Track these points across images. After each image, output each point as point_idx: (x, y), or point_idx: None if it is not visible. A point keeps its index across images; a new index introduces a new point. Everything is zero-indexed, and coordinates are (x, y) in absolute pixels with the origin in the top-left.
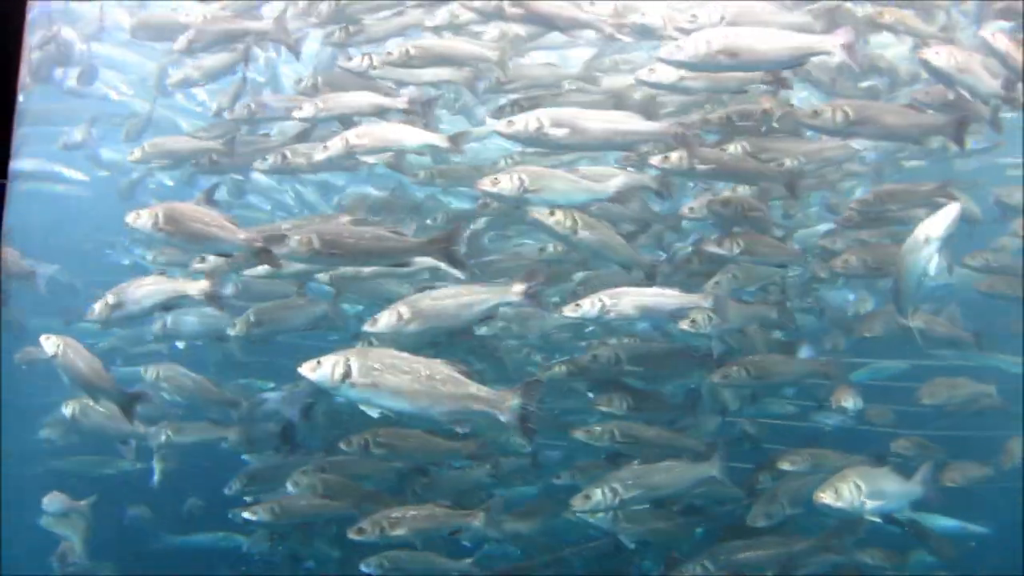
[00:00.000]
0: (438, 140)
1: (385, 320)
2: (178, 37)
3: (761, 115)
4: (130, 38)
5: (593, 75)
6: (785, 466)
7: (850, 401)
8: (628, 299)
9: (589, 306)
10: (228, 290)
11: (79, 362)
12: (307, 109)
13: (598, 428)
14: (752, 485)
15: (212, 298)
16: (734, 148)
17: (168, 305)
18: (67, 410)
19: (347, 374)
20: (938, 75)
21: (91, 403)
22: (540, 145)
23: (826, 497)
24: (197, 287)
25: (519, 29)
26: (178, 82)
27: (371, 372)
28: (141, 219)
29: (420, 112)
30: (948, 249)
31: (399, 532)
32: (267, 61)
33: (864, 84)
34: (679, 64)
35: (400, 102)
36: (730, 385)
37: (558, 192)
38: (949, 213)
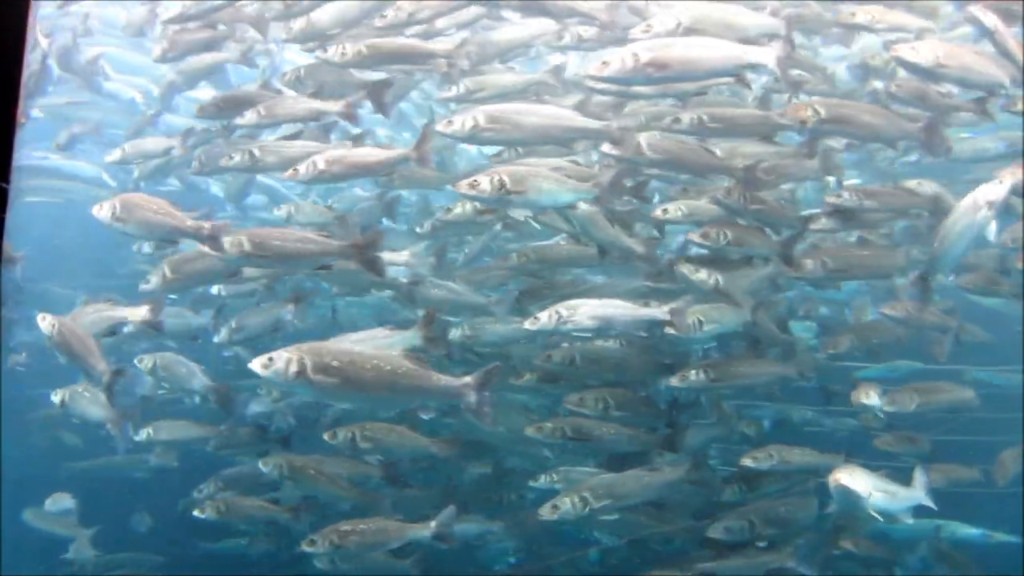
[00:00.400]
0: (407, 153)
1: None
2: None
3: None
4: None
5: (558, 81)
6: (748, 462)
7: (872, 398)
8: (584, 310)
9: (547, 319)
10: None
11: (72, 340)
12: (250, 117)
13: (549, 425)
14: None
15: (151, 325)
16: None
17: (111, 331)
18: (56, 398)
19: (302, 370)
20: (916, 71)
21: (80, 390)
22: (479, 142)
23: (842, 478)
24: (137, 314)
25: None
26: (164, 90)
27: (328, 367)
28: (103, 211)
29: (356, 118)
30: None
31: (350, 544)
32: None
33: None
34: (607, 80)
35: (338, 106)
36: (689, 388)
37: (542, 192)
38: (1012, 180)
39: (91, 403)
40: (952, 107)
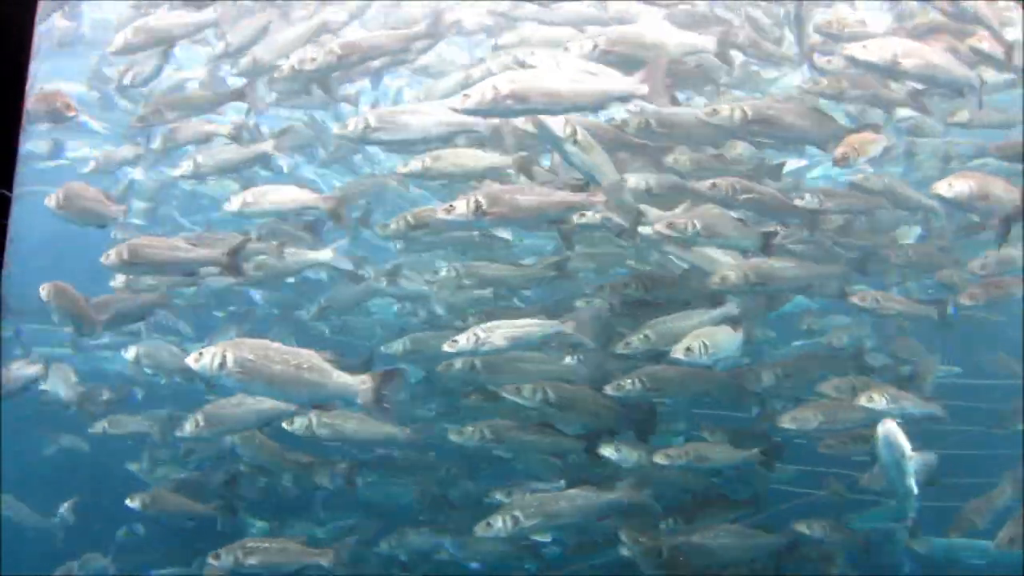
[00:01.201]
0: (318, 202)
1: None
2: None
3: None
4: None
5: None
6: (660, 460)
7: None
8: (499, 331)
9: (464, 341)
10: None
11: (65, 300)
12: (158, 143)
13: (469, 428)
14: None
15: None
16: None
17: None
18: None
19: (223, 364)
20: (871, 70)
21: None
22: (372, 143)
23: (893, 427)
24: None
25: None
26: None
27: (245, 362)
28: (50, 201)
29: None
30: None
31: (252, 562)
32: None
33: None
34: (468, 112)
35: (224, 129)
36: (626, 397)
37: (523, 210)
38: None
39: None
40: (890, 102)
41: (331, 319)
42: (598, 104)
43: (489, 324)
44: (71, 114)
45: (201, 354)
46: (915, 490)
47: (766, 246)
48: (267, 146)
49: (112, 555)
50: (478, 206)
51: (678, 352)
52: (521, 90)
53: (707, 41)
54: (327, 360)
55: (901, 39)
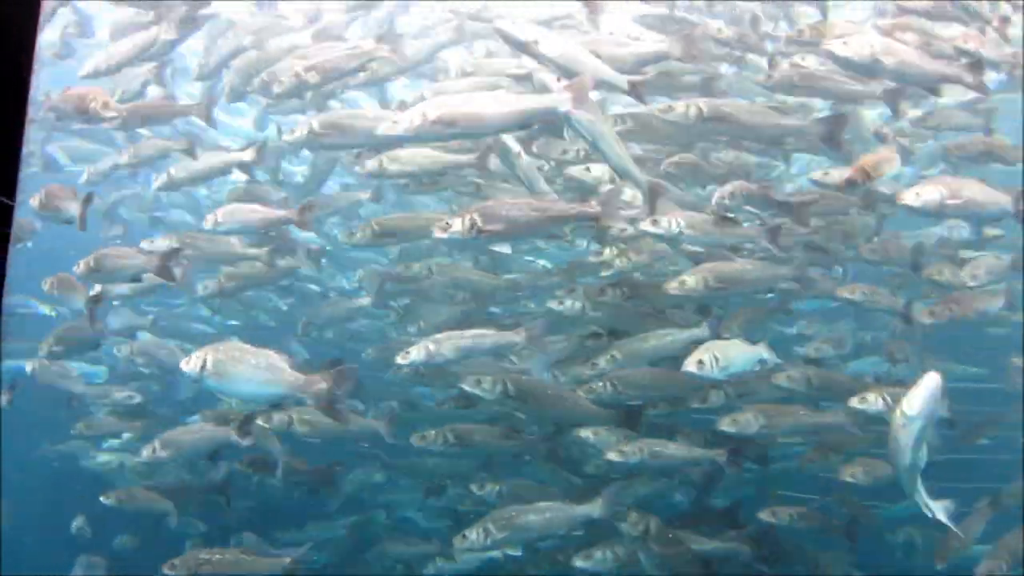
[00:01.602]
0: (289, 216)
1: None
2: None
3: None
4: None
5: None
6: (613, 456)
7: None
8: (450, 343)
9: (416, 353)
10: None
11: (62, 284)
12: (126, 156)
13: (432, 432)
14: None
15: None
16: None
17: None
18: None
19: (204, 366)
20: (849, 67)
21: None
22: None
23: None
24: None
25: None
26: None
27: (219, 363)
28: (34, 201)
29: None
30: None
31: (206, 572)
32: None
33: None
34: (398, 139)
35: (181, 144)
36: (598, 399)
37: (519, 225)
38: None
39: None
40: (858, 96)
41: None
42: (524, 122)
43: (440, 336)
44: (109, 114)
45: (189, 358)
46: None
47: (774, 240)
48: (247, 155)
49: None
50: (473, 223)
51: (690, 365)
52: (449, 115)
53: (672, 46)
54: (289, 362)
55: (881, 36)
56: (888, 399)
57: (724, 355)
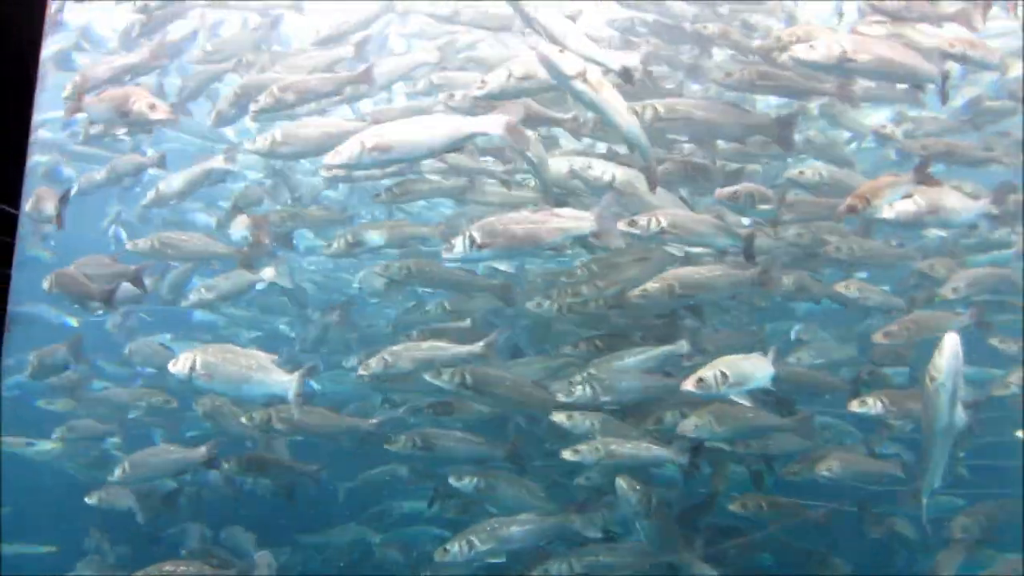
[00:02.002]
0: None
1: None
2: None
3: None
4: None
5: None
6: (568, 456)
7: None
8: (407, 355)
9: (375, 364)
10: None
11: (68, 282)
12: (103, 175)
13: (402, 437)
14: None
15: None
16: None
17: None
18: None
19: (193, 367)
20: (819, 70)
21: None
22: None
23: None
24: None
25: None
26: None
27: (207, 364)
28: (27, 205)
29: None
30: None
31: None
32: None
33: None
34: (340, 167)
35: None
36: (576, 402)
37: (519, 240)
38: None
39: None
40: (810, 91)
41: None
42: (456, 145)
43: (397, 348)
44: (157, 115)
45: (177, 359)
46: (961, 420)
47: (748, 247)
48: (216, 162)
49: None
50: (473, 241)
51: (688, 384)
52: (385, 142)
53: (630, 58)
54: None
55: (851, 35)
56: (886, 402)
57: (734, 370)
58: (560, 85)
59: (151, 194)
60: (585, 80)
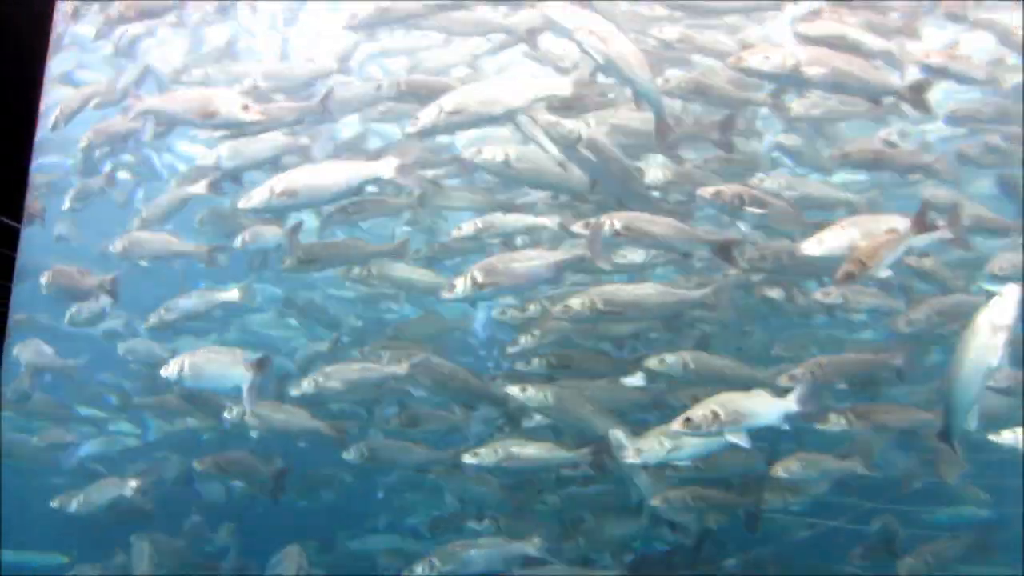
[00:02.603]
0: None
1: None
2: None
3: None
4: None
5: None
6: (468, 459)
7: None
8: (338, 375)
9: (307, 384)
10: None
11: (63, 279)
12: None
13: (352, 447)
14: None
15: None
16: None
17: None
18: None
19: (181, 369)
20: (772, 80)
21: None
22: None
23: None
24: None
25: None
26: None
27: (192, 365)
28: None
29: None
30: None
31: None
32: None
33: None
34: (253, 210)
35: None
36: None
37: (518, 276)
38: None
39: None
40: (744, 102)
41: None
42: (354, 189)
43: (329, 368)
44: (251, 117)
45: (169, 363)
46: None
47: (720, 251)
48: (199, 187)
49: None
50: (474, 280)
51: (676, 423)
52: (291, 187)
53: (562, 84)
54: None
55: (806, 47)
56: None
57: (729, 409)
58: (566, 37)
59: (136, 221)
60: (591, 32)
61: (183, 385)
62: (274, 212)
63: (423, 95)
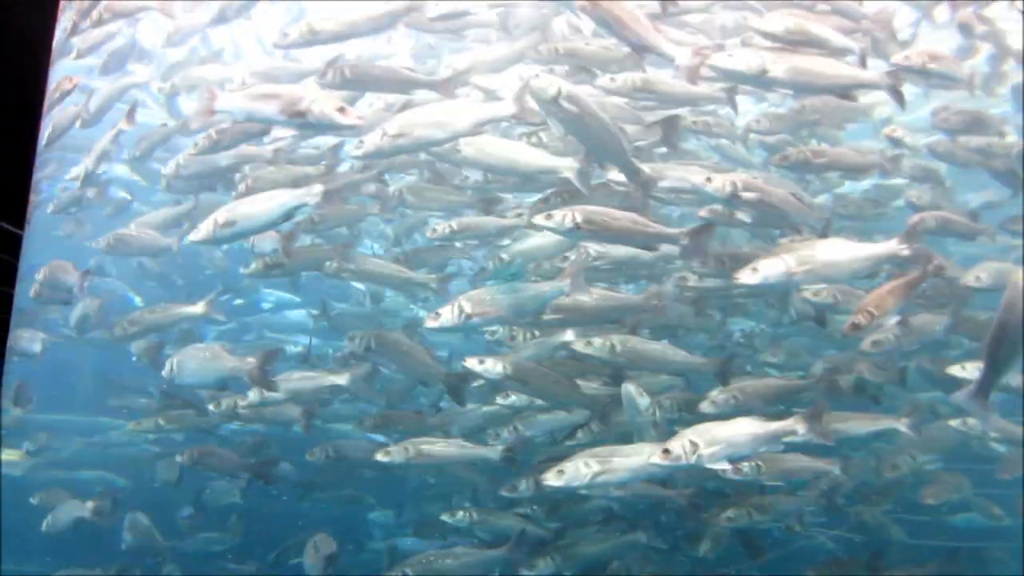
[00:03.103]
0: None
1: None
2: None
3: None
4: None
5: None
6: (381, 457)
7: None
8: (285, 385)
9: (253, 396)
10: None
11: (55, 275)
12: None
13: (316, 448)
14: None
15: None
16: None
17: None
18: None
19: (172, 368)
20: (740, 80)
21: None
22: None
23: None
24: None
25: None
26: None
27: (180, 363)
28: None
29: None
30: None
31: None
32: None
33: None
34: (197, 242)
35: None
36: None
37: (504, 308)
38: None
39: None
40: (694, 99)
41: None
42: (283, 217)
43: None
44: (349, 120)
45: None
46: None
47: (694, 246)
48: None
49: None
50: (461, 310)
51: (655, 456)
52: (230, 219)
53: (505, 107)
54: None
55: (772, 46)
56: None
57: (708, 439)
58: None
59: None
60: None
61: (175, 383)
62: (219, 243)
63: (367, 83)
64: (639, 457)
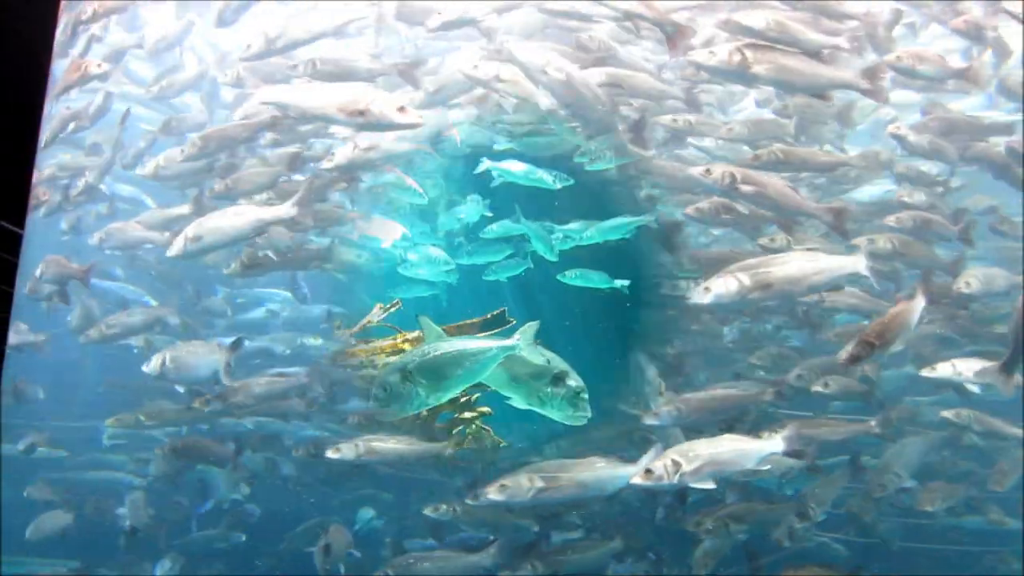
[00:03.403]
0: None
1: None
2: None
3: None
4: None
5: None
6: (331, 454)
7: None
8: (244, 390)
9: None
10: None
11: (54, 268)
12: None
13: (300, 447)
14: None
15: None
16: None
17: None
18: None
19: (163, 363)
20: (721, 76)
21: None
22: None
23: None
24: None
25: None
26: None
27: (173, 359)
28: None
29: None
30: None
31: None
32: None
33: None
34: (175, 256)
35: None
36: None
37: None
38: None
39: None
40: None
41: None
42: (256, 233)
43: (236, 384)
44: (409, 120)
45: (150, 362)
46: None
47: (669, 239)
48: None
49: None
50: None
51: (636, 478)
52: (199, 233)
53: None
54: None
55: (757, 43)
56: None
57: (690, 458)
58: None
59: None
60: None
61: (166, 379)
62: (188, 258)
63: (338, 75)
64: (589, 472)
